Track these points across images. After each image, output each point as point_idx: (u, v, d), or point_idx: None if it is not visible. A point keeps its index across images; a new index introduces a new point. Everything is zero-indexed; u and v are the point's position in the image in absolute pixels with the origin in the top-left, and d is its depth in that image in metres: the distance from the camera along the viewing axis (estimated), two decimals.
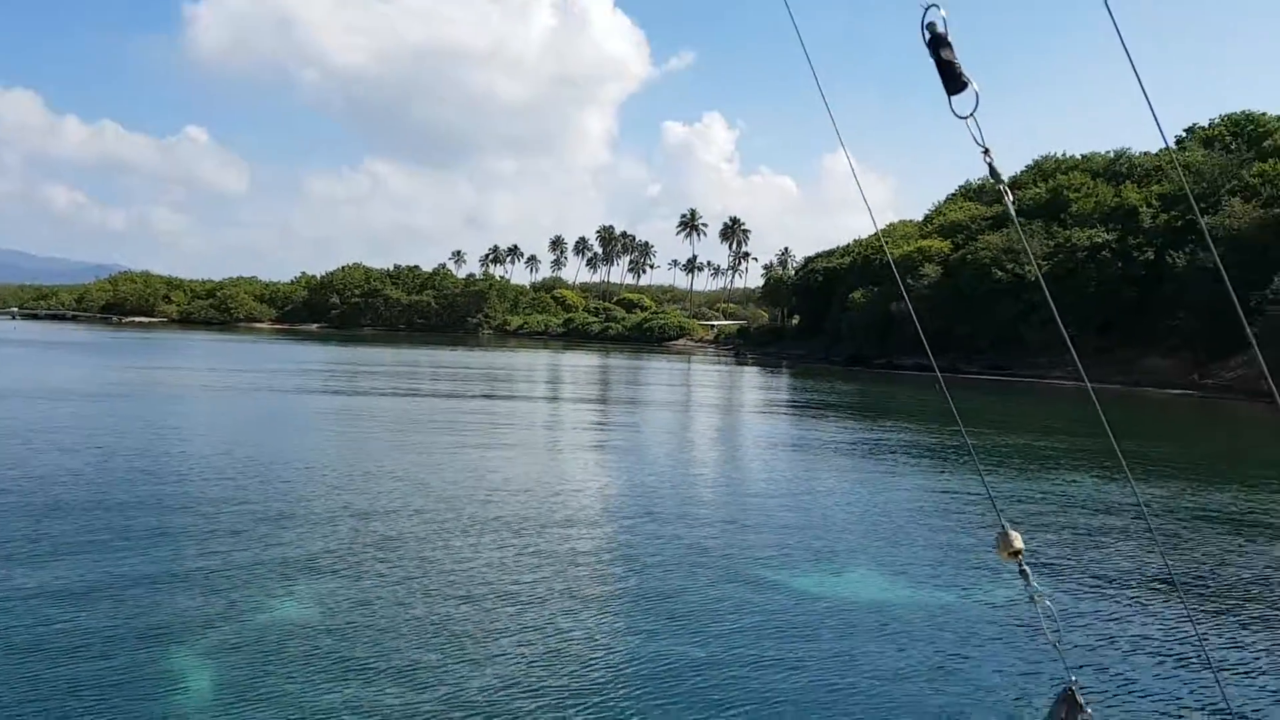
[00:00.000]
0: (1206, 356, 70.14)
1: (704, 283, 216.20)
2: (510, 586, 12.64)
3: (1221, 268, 69.53)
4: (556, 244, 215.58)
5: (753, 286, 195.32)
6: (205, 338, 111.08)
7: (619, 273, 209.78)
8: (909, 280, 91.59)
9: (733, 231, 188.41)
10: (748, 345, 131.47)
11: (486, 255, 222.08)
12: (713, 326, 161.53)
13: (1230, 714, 8.92)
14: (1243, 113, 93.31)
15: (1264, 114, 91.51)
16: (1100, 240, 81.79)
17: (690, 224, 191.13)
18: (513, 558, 14.19)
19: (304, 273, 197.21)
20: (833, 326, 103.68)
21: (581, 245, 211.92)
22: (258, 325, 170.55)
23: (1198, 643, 10.78)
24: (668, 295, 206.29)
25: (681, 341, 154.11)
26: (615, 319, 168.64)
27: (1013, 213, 3.06)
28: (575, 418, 38.45)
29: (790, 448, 30.12)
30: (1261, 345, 64.72)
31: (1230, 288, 3.76)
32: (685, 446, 30.55)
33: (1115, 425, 40.54)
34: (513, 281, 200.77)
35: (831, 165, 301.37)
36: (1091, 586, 13.58)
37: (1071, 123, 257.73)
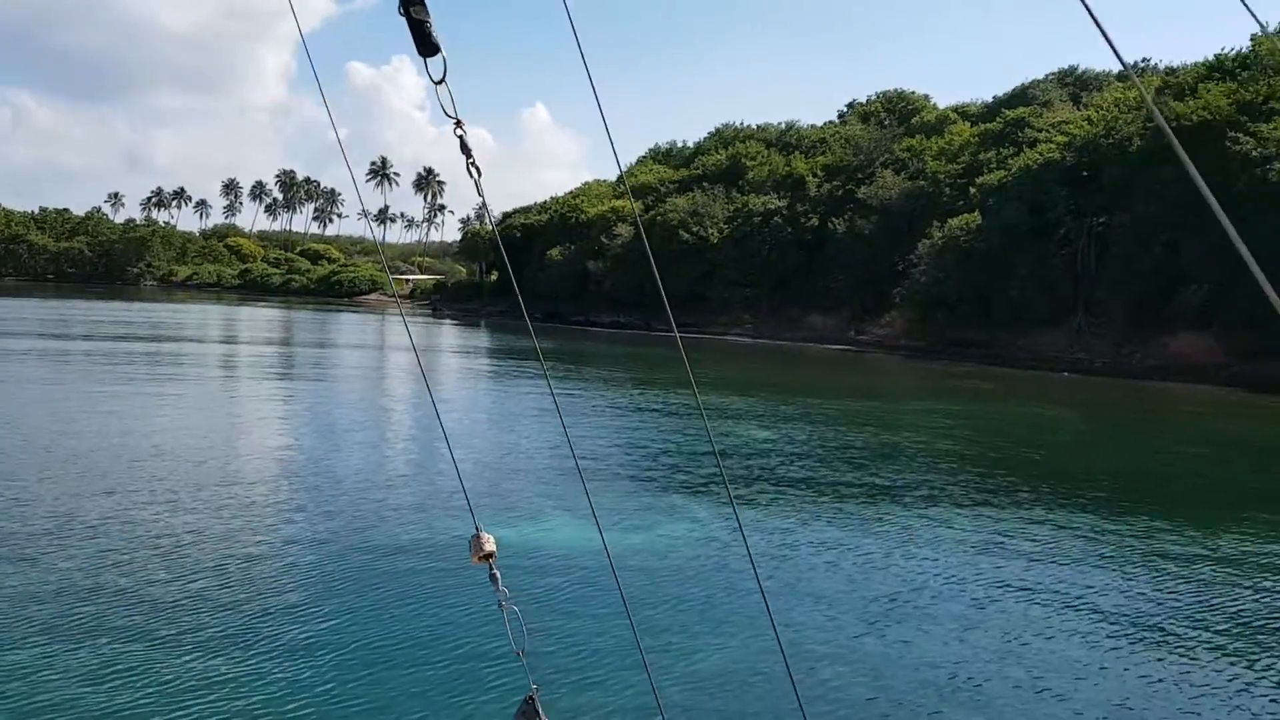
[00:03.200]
0: (862, 314, 77.96)
1: (398, 235, 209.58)
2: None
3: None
4: (230, 188, 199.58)
5: (450, 240, 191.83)
6: None
7: (303, 221, 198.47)
8: (604, 239, 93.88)
9: (427, 183, 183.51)
10: (445, 301, 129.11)
11: (149, 199, 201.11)
12: (408, 281, 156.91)
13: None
14: (895, 90, 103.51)
15: (914, 92, 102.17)
16: (773, 207, 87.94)
17: (381, 172, 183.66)
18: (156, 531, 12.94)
19: None
20: (531, 283, 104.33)
21: (259, 190, 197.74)
22: None
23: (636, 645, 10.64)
24: (358, 247, 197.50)
25: (374, 296, 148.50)
26: (299, 271, 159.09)
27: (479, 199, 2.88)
28: (239, 380, 36.22)
29: (479, 405, 29.94)
30: (904, 306, 73.04)
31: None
32: (346, 409, 29.90)
33: (776, 379, 44.63)
34: (180, 228, 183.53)
35: (529, 120, 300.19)
36: (559, 590, 12.82)
37: (749, 93, 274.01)
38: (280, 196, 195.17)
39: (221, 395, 32.31)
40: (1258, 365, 48.58)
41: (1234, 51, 63.07)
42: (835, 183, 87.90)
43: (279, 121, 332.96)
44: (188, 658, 9.94)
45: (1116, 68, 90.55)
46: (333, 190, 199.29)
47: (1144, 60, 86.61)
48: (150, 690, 9.10)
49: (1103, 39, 2.00)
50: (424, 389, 33.15)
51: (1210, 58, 64.42)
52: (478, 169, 2.62)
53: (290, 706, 8.97)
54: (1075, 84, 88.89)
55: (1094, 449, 30.19)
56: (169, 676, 9.42)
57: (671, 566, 14.13)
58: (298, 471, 19.90)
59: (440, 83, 2.39)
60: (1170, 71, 71.75)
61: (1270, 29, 66.66)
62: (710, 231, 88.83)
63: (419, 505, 17.05)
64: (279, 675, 9.60)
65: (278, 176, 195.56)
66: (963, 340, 66.71)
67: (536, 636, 10.54)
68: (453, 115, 2.45)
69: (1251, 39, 64.62)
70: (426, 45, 2.36)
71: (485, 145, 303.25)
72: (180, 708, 8.80)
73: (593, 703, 9.32)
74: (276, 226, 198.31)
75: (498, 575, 2.69)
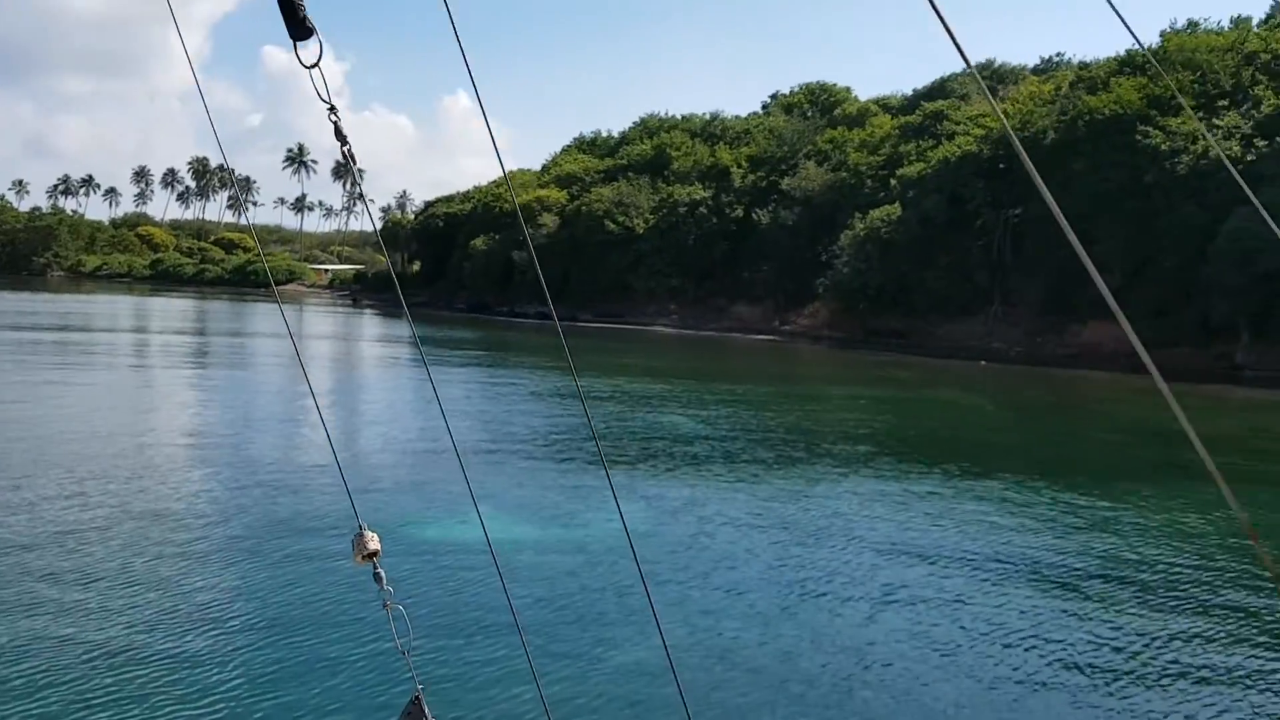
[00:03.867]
0: (786, 304, 78.44)
1: (316, 224, 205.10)
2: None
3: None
4: (141, 175, 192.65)
5: (369, 230, 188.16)
6: None
7: (216, 210, 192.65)
8: (529, 229, 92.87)
9: (346, 170, 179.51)
10: (365, 291, 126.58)
11: (55, 186, 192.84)
12: (327, 271, 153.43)
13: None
14: (818, 83, 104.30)
15: (835, 84, 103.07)
16: (699, 197, 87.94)
17: (299, 159, 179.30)
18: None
19: None
20: (455, 273, 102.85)
21: (171, 178, 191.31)
22: None
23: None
24: (275, 236, 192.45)
25: (292, 286, 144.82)
26: (213, 260, 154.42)
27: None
28: (121, 371, 34.89)
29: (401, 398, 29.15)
30: (827, 296, 73.69)
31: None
32: (264, 398, 28.93)
33: (698, 367, 44.66)
34: (88, 217, 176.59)
35: (450, 106, 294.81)
36: (444, 586, 12.51)
37: (673, 82, 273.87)
38: (193, 184, 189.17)
39: (101, 392, 30.85)
40: (1165, 353, 50.02)
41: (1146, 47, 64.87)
42: (759, 173, 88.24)
43: (192, 106, 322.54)
44: (51, 667, 9.19)
45: (1033, 61, 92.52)
46: (248, 178, 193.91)
47: (1058, 54, 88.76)
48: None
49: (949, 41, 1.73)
50: (314, 382, 32.32)
51: (1122, 53, 66.12)
52: (353, 157, 2.60)
53: (164, 716, 8.40)
54: (992, 77, 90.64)
55: (1002, 433, 30.95)
56: (23, 684, 8.66)
57: (558, 558, 13.85)
58: (175, 471, 18.94)
59: (313, 67, 2.27)
60: (1084, 66, 73.51)
61: (1179, 24, 68.71)
62: (636, 222, 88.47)
63: (300, 503, 16.28)
64: (156, 685, 9.06)
65: (190, 163, 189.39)
66: (884, 330, 67.55)
67: (423, 635, 10.25)
68: (327, 101, 2.37)
69: (1161, 35, 66.54)
70: (299, 28, 2.23)
71: (405, 132, 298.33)
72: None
73: (479, 701, 9.10)
74: (190, 215, 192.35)
75: (382, 574, 2.62)
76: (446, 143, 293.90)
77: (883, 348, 62.19)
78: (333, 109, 2.42)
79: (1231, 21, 68.38)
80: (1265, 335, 50.89)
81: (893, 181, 73.00)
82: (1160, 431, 27.53)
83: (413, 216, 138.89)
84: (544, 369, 42.92)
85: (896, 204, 70.24)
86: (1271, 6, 70.28)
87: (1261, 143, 52.54)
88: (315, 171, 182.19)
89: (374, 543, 2.65)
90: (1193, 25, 68.03)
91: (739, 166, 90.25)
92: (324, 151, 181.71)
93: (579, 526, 15.71)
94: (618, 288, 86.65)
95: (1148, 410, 32.17)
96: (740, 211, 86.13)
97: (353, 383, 37.37)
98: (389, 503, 16.73)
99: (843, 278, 71.10)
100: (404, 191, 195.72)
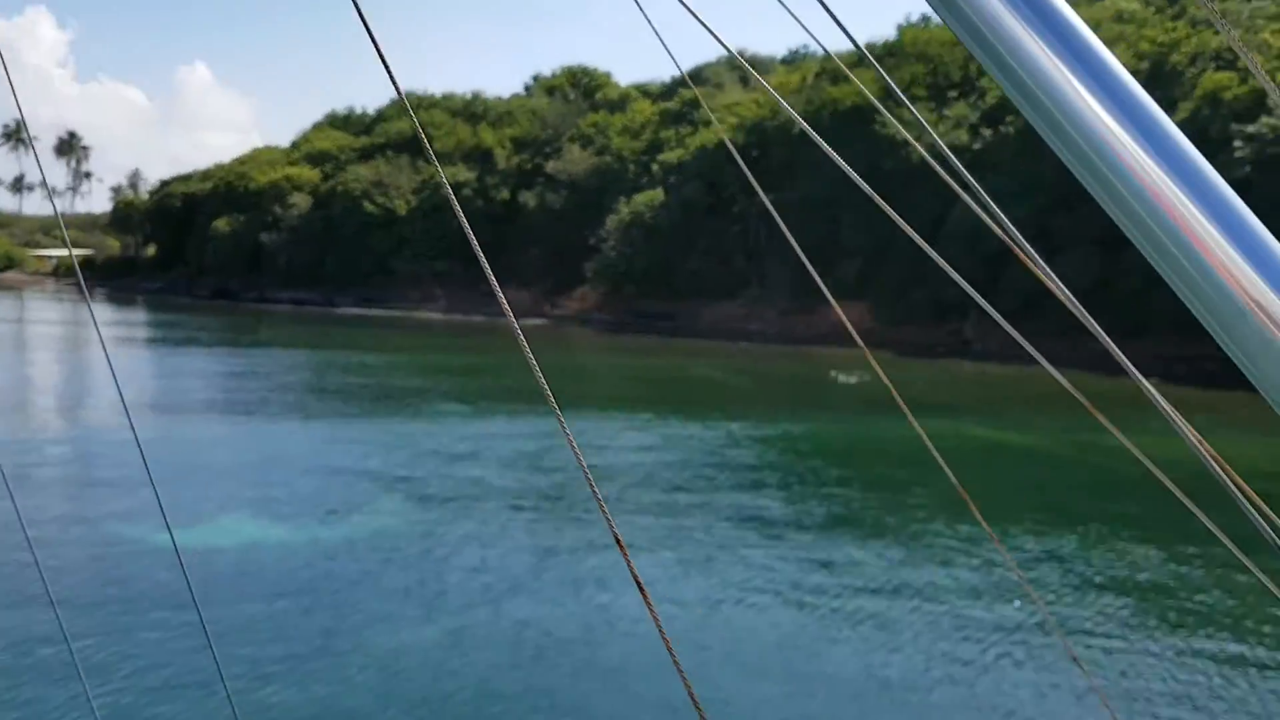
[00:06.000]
0: (555, 288, 78.21)
1: (36, 206, 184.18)
2: None
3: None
4: None
5: (99, 211, 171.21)
6: None
7: None
8: (278, 209, 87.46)
9: (70, 147, 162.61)
10: (96, 278, 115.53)
11: None
12: (51, 257, 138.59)
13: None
14: (579, 66, 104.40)
15: (596, 68, 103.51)
16: (463, 178, 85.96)
17: (15, 136, 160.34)
18: None
19: None
20: (195, 257, 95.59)
21: None
22: None
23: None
24: None
25: (10, 274, 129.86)
26: None
27: None
28: None
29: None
30: (595, 280, 74.18)
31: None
32: None
33: (462, 358, 43.80)
34: None
35: (188, 77, 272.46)
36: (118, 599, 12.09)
37: (431, 59, 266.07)
38: None
39: None
40: (903, 330, 53.76)
41: (881, 41, 69.34)
42: (524, 155, 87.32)
43: None
44: None
45: (781, 52, 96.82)
46: None
47: (804, 46, 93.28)
48: None
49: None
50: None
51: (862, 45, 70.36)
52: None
53: None
54: (743, 68, 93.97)
55: (749, 406, 32.29)
56: None
57: (250, 569, 13.05)
58: None
59: None
60: (827, 57, 77.55)
61: (913, 19, 73.81)
62: (397, 203, 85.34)
63: None
64: None
65: None
66: (651, 313, 68.73)
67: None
68: None
69: (898, 29, 71.31)
70: None
71: (137, 105, 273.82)
72: None
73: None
74: None
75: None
76: (185, 117, 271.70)
77: (650, 330, 63.26)
78: None
79: None
80: (987, 314, 55.66)
81: (654, 167, 74.25)
82: (880, 399, 29.42)
83: (147, 196, 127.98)
84: (289, 367, 40.42)
85: (659, 189, 71.53)
86: None
87: (987, 131, 57.44)
88: (34, 150, 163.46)
89: None
90: (926, 20, 73.35)
91: (503, 148, 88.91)
92: (45, 127, 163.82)
93: (268, 536, 14.70)
94: (379, 271, 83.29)
95: (877, 378, 34.62)
96: (506, 194, 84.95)
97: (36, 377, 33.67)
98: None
99: (610, 262, 71.71)
100: (137, 170, 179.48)
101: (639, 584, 1.07)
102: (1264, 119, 44.06)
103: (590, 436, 21.90)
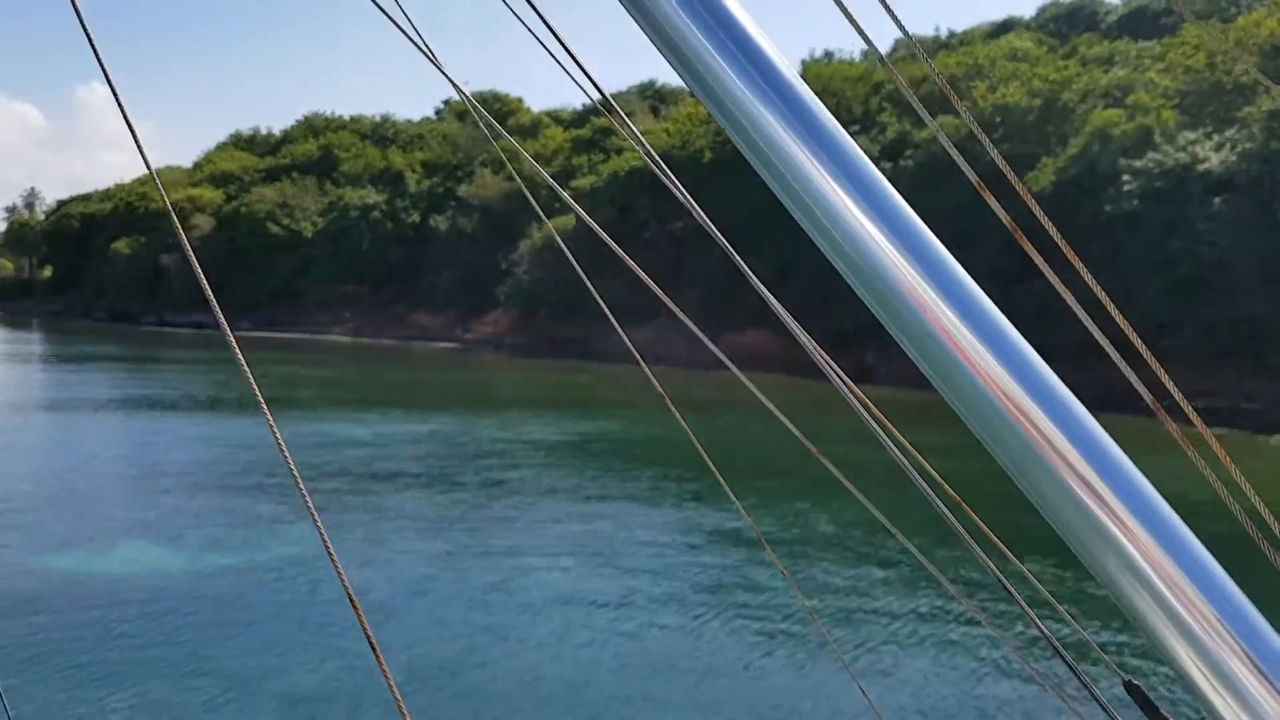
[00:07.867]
0: (468, 312, 77.69)
1: None
2: None
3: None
4: None
5: None
6: None
7: None
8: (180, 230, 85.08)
9: None
10: None
11: None
12: None
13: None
14: (490, 91, 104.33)
15: (508, 94, 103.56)
16: (371, 201, 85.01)
17: None
18: None
19: None
20: (94, 280, 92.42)
21: None
22: None
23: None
24: None
25: None
26: None
27: None
28: None
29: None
30: (509, 304, 73.98)
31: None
32: None
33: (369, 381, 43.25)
34: None
35: (87, 96, 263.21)
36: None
37: (339, 82, 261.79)
38: None
39: None
40: (803, 355, 54.90)
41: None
42: (435, 179, 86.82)
43: None
44: None
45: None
46: None
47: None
48: None
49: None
50: None
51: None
52: None
53: None
54: (655, 97, 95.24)
55: (640, 426, 32.55)
56: None
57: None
58: None
59: None
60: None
61: (817, 54, 75.84)
62: (303, 224, 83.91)
63: None
64: None
65: None
66: (564, 337, 68.77)
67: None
68: None
69: (802, 63, 73.27)
70: None
71: (32, 123, 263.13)
72: None
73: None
74: None
75: None
76: (83, 135, 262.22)
77: (563, 354, 63.29)
78: None
79: (862, 54, 76.72)
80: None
81: (567, 193, 74.63)
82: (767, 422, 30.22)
83: (43, 217, 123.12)
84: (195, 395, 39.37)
85: (571, 215, 71.85)
86: (895, 41, 79.76)
87: (887, 164, 59.35)
88: None
89: None
90: (829, 55, 75.55)
91: (413, 171, 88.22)
92: None
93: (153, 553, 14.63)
94: (285, 294, 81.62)
95: (780, 402, 35.54)
96: (416, 217, 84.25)
97: None
98: None
99: (523, 286, 71.60)
100: (33, 189, 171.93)
101: (351, 597, 1.21)
102: (1149, 155, 46.45)
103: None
